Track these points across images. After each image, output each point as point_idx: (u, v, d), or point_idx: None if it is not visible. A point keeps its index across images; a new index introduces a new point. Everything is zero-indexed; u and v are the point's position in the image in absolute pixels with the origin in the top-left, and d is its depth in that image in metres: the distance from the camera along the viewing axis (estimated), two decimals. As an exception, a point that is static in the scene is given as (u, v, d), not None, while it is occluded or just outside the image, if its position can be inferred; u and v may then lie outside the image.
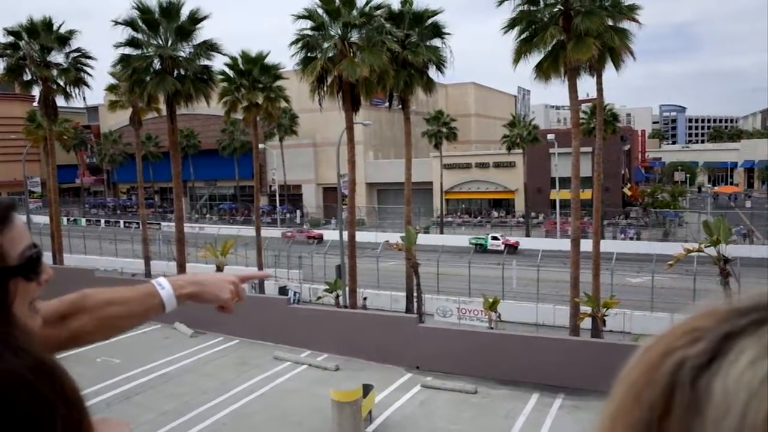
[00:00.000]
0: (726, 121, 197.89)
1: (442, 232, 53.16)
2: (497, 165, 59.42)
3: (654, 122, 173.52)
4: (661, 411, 0.38)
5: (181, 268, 27.91)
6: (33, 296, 0.99)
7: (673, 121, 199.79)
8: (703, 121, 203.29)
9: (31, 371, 0.75)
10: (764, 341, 0.37)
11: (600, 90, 24.57)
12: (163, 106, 28.92)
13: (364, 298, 29.35)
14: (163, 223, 59.37)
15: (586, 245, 24.94)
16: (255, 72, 31.90)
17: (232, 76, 31.99)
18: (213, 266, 28.91)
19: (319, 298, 29.26)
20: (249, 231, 39.94)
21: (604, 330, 22.49)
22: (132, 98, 30.12)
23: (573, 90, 23.19)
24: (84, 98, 31.61)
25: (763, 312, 0.38)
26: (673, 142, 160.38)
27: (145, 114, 34.94)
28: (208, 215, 69.88)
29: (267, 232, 40.51)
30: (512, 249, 42.74)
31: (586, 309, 22.78)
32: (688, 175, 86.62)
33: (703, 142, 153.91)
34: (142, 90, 26.92)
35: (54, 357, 0.83)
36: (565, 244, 34.91)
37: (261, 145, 46.60)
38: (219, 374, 16.18)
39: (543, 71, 23.24)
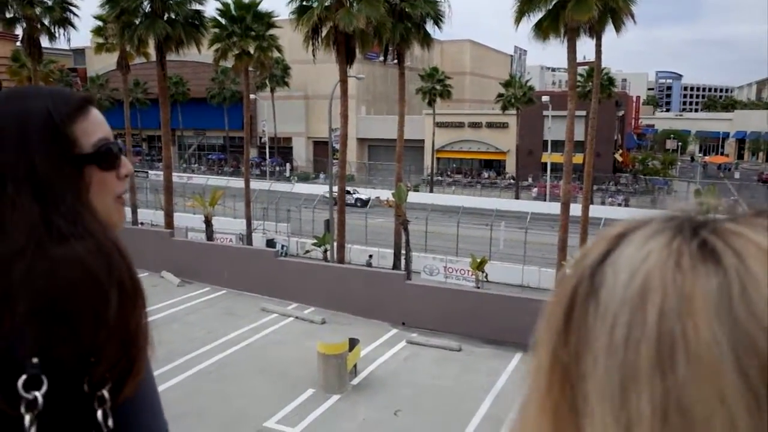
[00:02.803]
0: (721, 90, 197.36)
1: (431, 191, 53.10)
2: (490, 125, 59.05)
3: (649, 89, 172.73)
4: (567, 306, 0.43)
5: (169, 218, 27.73)
6: (117, 190, 1.02)
7: (669, 88, 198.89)
8: (698, 89, 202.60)
9: (91, 255, 0.83)
10: (650, 229, 0.42)
11: (599, 52, 24.20)
12: (152, 51, 28.21)
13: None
14: (150, 172, 58.71)
15: (575, 209, 25.00)
16: (248, 19, 31.07)
17: (223, 22, 31.15)
18: (201, 216, 28.74)
19: (307, 251, 29.27)
20: (238, 182, 39.64)
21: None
22: (121, 42, 29.32)
23: (572, 51, 22.81)
24: (69, 39, 30.84)
25: (673, 219, 0.43)
26: (667, 110, 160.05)
27: (133, 59, 34.03)
28: (196, 165, 69.25)
29: (256, 184, 40.24)
30: None
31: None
32: (679, 144, 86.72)
33: (697, 110, 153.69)
34: (132, 33, 26.19)
35: (119, 243, 0.90)
36: (554, 208, 35.04)
37: (252, 96, 45.81)
38: (205, 324, 16.22)
39: (542, 30, 22.82)
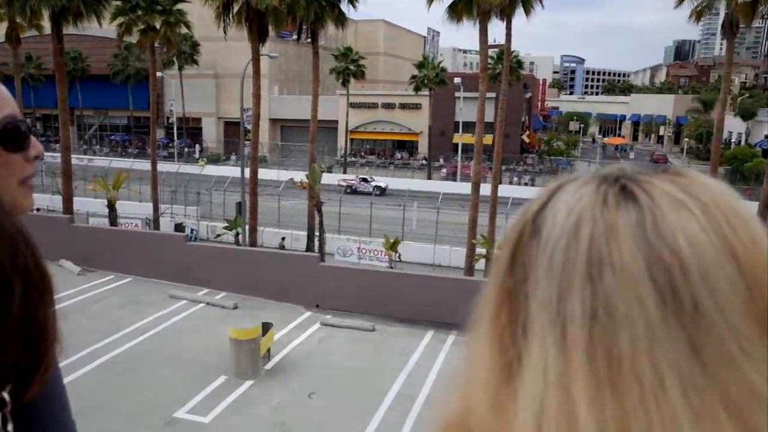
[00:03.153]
0: (619, 75, 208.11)
1: (345, 172, 53.06)
2: (403, 106, 59.52)
3: (555, 72, 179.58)
4: (513, 246, 0.54)
5: (68, 203, 26.21)
6: (24, 173, 0.94)
7: (572, 71, 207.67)
8: (599, 73, 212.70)
9: None
10: (581, 181, 0.54)
11: (509, 36, 24.85)
12: (46, 23, 26.30)
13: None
14: (46, 154, 55.16)
15: (485, 189, 25.74)
16: (152, -8, 29.59)
17: (126, -6, 29.49)
18: (104, 200, 27.38)
19: (218, 235, 28.58)
20: (144, 165, 38.03)
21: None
22: (10, 12, 27.09)
23: (483, 34, 23.26)
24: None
25: (600, 177, 0.54)
26: (571, 93, 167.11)
27: (24, 31, 31.62)
28: (98, 146, 65.70)
29: (163, 166, 38.72)
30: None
31: (481, 250, 23.70)
32: (582, 125, 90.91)
33: (597, 94, 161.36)
34: (23, 3, 24.30)
35: (23, 228, 0.81)
36: (464, 187, 35.94)
37: (158, 74, 43.82)
38: (110, 313, 15.54)
39: (456, 13, 23.15)
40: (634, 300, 0.47)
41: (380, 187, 43.90)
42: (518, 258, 0.53)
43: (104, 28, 29.82)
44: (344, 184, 44.19)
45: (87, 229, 21.85)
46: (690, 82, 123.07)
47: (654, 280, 0.47)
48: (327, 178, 44.77)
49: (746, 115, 65.91)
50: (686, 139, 71.93)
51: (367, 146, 62.27)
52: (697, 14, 26.52)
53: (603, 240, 0.49)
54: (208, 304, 16.57)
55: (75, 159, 32.34)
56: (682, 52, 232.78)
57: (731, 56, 27.02)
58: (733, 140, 66.46)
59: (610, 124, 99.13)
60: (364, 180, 45.03)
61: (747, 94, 78.51)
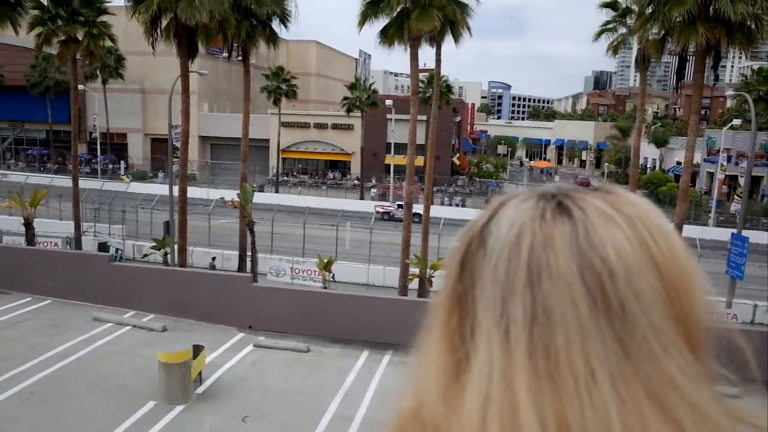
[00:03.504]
0: (544, 101, 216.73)
1: (277, 191, 52.48)
2: (336, 126, 59.65)
3: (483, 97, 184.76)
4: (462, 257, 0.60)
5: (-20, 219, 24.65)
6: None
7: (500, 97, 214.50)
8: (524, 99, 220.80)
9: None
10: (522, 197, 0.60)
11: (438, 61, 25.44)
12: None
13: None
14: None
15: (417, 210, 26.04)
16: (75, 2, 28.52)
17: (45, 3, 28.25)
18: (20, 218, 25.91)
19: (145, 255, 27.56)
20: (64, 181, 36.30)
21: (431, 290, 23.79)
22: None
23: (414, 58, 23.73)
24: None
25: (539, 194, 0.59)
26: (498, 117, 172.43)
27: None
28: (12, 161, 62.27)
29: (86, 183, 37.09)
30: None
31: (414, 270, 23.90)
32: (509, 149, 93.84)
33: (523, 119, 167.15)
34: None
35: None
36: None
37: (80, 87, 42.04)
38: (26, 338, 14.64)
39: (388, 38, 23.48)
40: (569, 303, 0.52)
41: (419, 214, 42.37)
42: (467, 266, 0.59)
43: (21, 37, 28.47)
44: (381, 210, 42.78)
45: (0, 248, 20.60)
46: (608, 110, 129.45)
47: (586, 285, 0.52)
48: (363, 206, 43.24)
49: (659, 142, 69.88)
50: (606, 164, 75.40)
51: (299, 165, 61.89)
52: (614, 48, 28.01)
53: (541, 250, 0.54)
54: (134, 326, 15.92)
55: (-12, 174, 30.49)
56: (600, 81, 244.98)
57: (644, 88, 28.66)
58: (648, 166, 70.17)
59: (535, 148, 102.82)
60: (402, 207, 43.62)
61: (659, 123, 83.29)
